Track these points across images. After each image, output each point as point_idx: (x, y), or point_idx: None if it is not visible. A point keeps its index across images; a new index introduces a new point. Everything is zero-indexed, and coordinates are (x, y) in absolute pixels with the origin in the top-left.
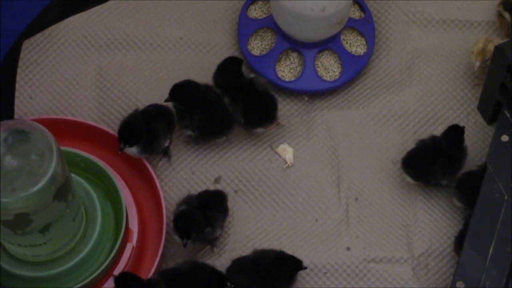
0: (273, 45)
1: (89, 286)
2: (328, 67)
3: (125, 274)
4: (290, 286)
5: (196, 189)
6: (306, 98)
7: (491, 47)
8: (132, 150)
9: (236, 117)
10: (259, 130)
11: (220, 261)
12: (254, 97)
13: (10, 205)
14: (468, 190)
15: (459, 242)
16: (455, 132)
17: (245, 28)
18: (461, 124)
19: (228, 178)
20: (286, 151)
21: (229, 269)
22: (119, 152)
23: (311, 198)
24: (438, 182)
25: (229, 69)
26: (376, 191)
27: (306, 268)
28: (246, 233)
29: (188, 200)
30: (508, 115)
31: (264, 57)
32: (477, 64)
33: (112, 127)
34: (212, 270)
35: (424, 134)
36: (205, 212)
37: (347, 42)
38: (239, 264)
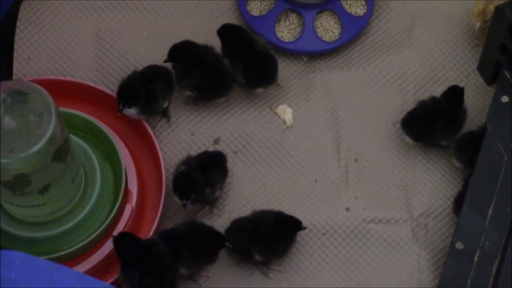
0: (272, 5)
1: (88, 247)
2: (328, 28)
3: (124, 234)
4: (290, 247)
5: (195, 150)
6: (305, 59)
7: (491, 8)
8: (131, 112)
9: (237, 78)
10: (259, 90)
11: (219, 222)
12: (255, 58)
13: (9, 166)
14: (468, 150)
15: (458, 203)
16: (455, 93)
17: None
18: (461, 85)
19: (227, 139)
20: (286, 112)
21: (228, 230)
22: (118, 113)
23: (310, 159)
24: (437, 142)
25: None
26: (375, 152)
27: (305, 228)
28: (245, 194)
29: (188, 161)
30: (508, 76)
31: (263, 18)
32: (478, 25)
33: (111, 88)
34: (211, 231)
35: (424, 95)
36: (204, 173)
37: (346, 3)
38: (238, 225)
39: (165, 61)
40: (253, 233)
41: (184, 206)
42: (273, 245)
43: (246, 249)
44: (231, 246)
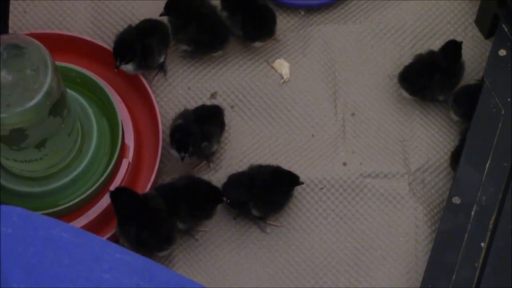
0: None
1: (85, 201)
2: None
3: (121, 188)
4: (287, 202)
5: (192, 105)
6: (302, 13)
7: None
8: (128, 67)
9: (234, 31)
10: (257, 44)
11: (217, 176)
12: (254, 10)
13: (5, 120)
14: (465, 103)
15: (455, 157)
16: (452, 47)
17: None
18: (459, 38)
19: (224, 93)
20: (283, 66)
21: (226, 184)
22: (116, 70)
23: (308, 113)
24: (435, 97)
25: None
26: (372, 106)
27: (302, 183)
28: (242, 149)
29: (185, 115)
30: (506, 29)
31: None
32: None
33: (107, 42)
34: (208, 185)
35: (421, 48)
36: (202, 127)
37: None
38: (235, 180)
39: (161, 15)
40: (250, 188)
41: (182, 159)
42: (270, 200)
43: (243, 203)
44: (228, 201)
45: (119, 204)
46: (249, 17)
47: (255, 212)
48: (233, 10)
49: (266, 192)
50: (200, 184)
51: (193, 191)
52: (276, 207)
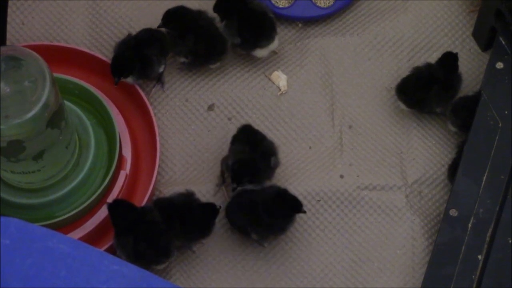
0: None
1: (82, 213)
2: None
3: (119, 201)
4: (288, 226)
5: (189, 117)
6: (300, 25)
7: None
8: (127, 79)
9: (232, 39)
10: (258, 52)
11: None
12: (251, 18)
13: (3, 132)
14: (463, 114)
15: (453, 170)
16: (449, 59)
17: None
18: (456, 51)
19: (221, 105)
20: (280, 78)
21: (228, 207)
22: (115, 85)
23: (305, 125)
24: (432, 109)
25: None
26: (370, 118)
27: (305, 212)
28: None
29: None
30: (503, 42)
31: None
32: None
33: (105, 54)
34: (204, 205)
35: (419, 61)
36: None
37: None
38: (236, 203)
39: (158, 27)
40: (251, 212)
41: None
42: (271, 224)
43: (243, 227)
44: (220, 207)
45: (117, 216)
46: (247, 24)
47: (254, 236)
48: (228, 16)
49: (267, 216)
50: (196, 203)
51: (188, 210)
52: (276, 231)
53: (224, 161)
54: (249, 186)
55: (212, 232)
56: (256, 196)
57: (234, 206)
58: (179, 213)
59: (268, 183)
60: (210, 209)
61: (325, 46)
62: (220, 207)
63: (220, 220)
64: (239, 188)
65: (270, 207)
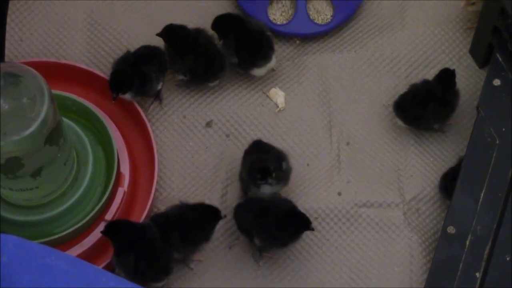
0: None
1: (80, 230)
2: (320, 10)
3: (117, 221)
4: (292, 242)
5: (187, 133)
6: (298, 42)
7: None
8: (125, 96)
9: (230, 58)
10: (256, 71)
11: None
12: (248, 37)
13: (1, 149)
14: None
15: (445, 182)
16: (446, 76)
17: None
18: (453, 67)
19: (219, 122)
20: (278, 95)
21: (239, 205)
22: (113, 101)
23: (303, 142)
24: (429, 126)
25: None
26: (367, 135)
27: (313, 229)
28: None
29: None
30: (500, 59)
31: (256, 0)
32: (462, 3)
33: (103, 70)
34: (202, 206)
35: (416, 78)
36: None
37: None
38: (249, 204)
39: (157, 35)
40: (260, 217)
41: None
42: (276, 236)
43: (249, 230)
44: (225, 216)
45: (116, 234)
46: (244, 43)
47: (257, 241)
48: (226, 35)
49: (274, 229)
50: (193, 208)
51: (189, 215)
52: (278, 244)
53: (240, 177)
54: (267, 188)
55: (209, 246)
56: (268, 204)
57: (246, 206)
58: (176, 222)
59: (280, 196)
60: (211, 211)
61: (323, 63)
62: (225, 216)
63: (218, 238)
64: (252, 194)
65: (279, 221)
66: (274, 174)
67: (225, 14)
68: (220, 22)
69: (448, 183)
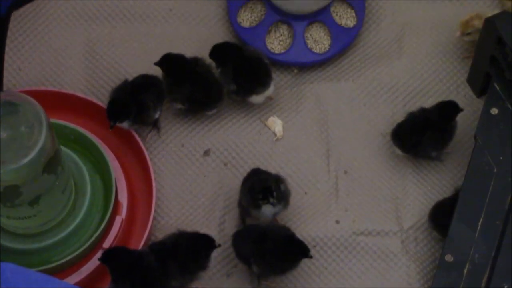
0: (262, 17)
1: (78, 258)
2: (318, 39)
3: (115, 248)
4: (291, 269)
5: (185, 162)
6: (295, 71)
7: (476, 22)
8: (123, 124)
9: (228, 85)
10: (254, 98)
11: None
12: (246, 64)
13: (0, 177)
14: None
15: (435, 212)
16: (449, 108)
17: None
18: (451, 97)
19: (217, 150)
20: (276, 124)
21: (237, 233)
22: (110, 129)
23: (301, 170)
24: (427, 154)
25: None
26: (365, 163)
27: (311, 257)
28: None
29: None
30: (498, 88)
31: (253, 29)
32: (458, 33)
33: (101, 99)
34: (197, 235)
35: (414, 106)
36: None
37: (337, 14)
38: (247, 232)
39: (155, 64)
40: (258, 245)
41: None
42: (274, 263)
43: (247, 258)
44: (219, 245)
45: (113, 261)
46: (242, 71)
47: (255, 269)
48: (224, 63)
49: (272, 255)
50: (190, 235)
51: (184, 244)
52: (277, 271)
53: (239, 204)
54: (268, 208)
55: (208, 273)
56: (266, 231)
57: (244, 234)
58: (173, 251)
59: (278, 224)
60: (206, 240)
61: (321, 92)
62: (220, 245)
63: (216, 266)
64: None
65: (278, 249)
66: (275, 194)
67: (223, 42)
68: (218, 50)
69: (437, 215)
